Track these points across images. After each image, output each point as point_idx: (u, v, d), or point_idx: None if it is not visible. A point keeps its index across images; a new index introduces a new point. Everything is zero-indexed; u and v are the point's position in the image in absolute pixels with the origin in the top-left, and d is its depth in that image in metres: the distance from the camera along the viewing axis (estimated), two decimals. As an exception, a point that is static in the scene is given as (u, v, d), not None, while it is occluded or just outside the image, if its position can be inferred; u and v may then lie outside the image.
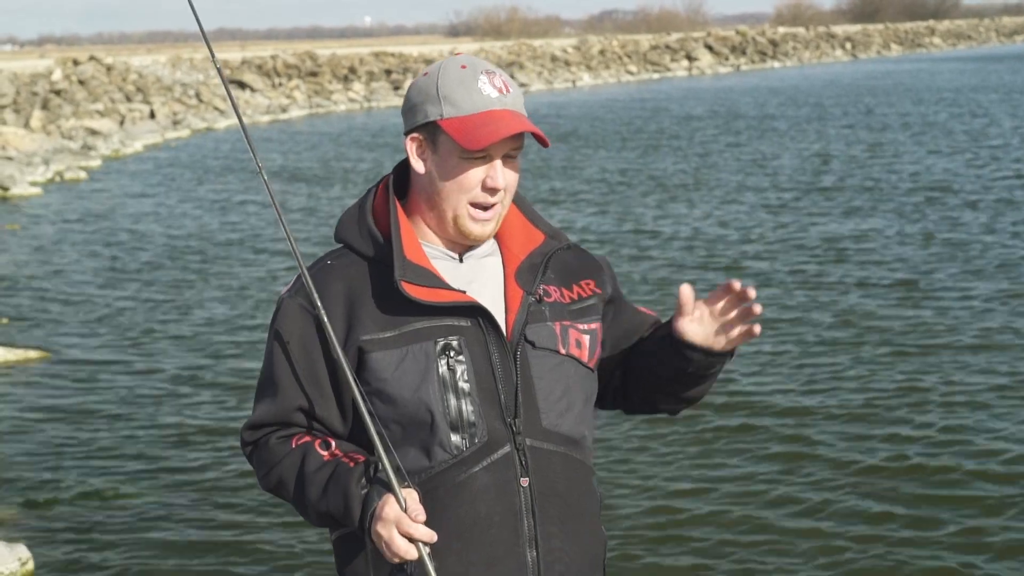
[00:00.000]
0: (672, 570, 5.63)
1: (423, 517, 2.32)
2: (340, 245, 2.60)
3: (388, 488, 2.34)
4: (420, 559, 2.32)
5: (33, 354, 9.75)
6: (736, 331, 2.50)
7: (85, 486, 6.88)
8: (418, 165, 2.53)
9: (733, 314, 2.50)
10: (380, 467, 2.36)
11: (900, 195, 16.74)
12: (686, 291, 2.51)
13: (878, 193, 17.07)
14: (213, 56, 2.74)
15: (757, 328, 2.48)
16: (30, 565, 5.74)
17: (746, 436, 7.31)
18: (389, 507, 2.32)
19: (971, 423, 7.39)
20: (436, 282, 2.48)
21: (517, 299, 2.54)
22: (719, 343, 2.52)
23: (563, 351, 2.55)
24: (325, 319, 2.42)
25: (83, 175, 23.57)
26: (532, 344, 2.52)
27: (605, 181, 20.04)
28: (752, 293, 2.45)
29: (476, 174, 2.48)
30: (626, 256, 13.13)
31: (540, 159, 22.72)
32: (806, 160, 21.66)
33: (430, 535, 2.32)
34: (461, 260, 2.57)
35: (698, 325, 2.53)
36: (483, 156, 2.47)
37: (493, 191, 2.48)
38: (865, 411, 7.66)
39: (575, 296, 2.62)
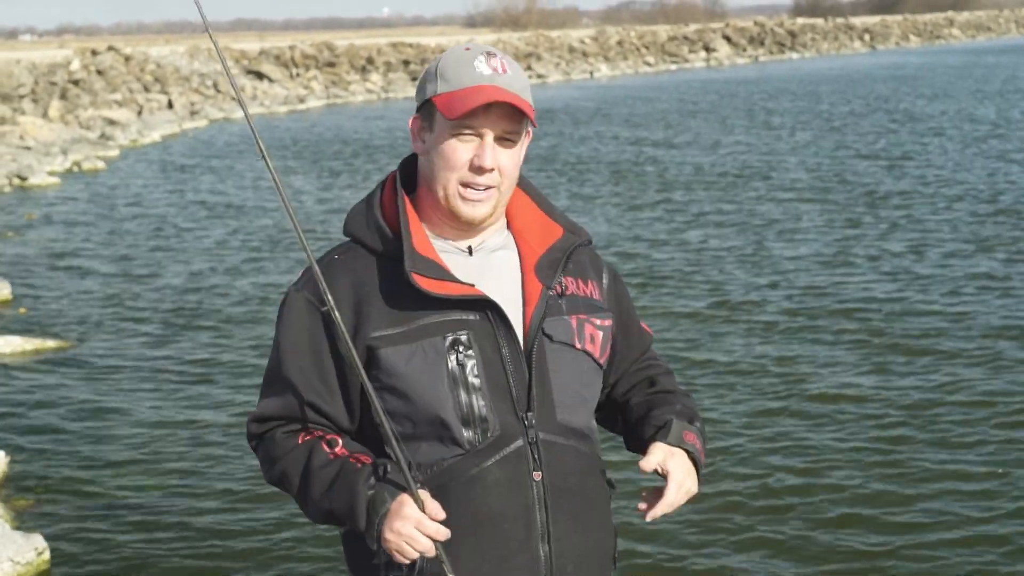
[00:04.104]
0: (680, 569, 5.60)
1: (442, 516, 2.34)
2: (348, 240, 2.59)
3: (405, 488, 2.35)
4: (438, 557, 2.34)
5: (50, 343, 9.76)
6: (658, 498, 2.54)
7: (102, 476, 6.88)
8: (416, 145, 2.56)
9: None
10: (390, 468, 2.38)
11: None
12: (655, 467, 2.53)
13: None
14: (216, 45, 2.67)
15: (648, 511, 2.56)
16: (46, 555, 5.74)
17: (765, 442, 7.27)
18: (408, 507, 2.33)
19: None
20: (445, 275, 2.46)
21: (536, 293, 2.53)
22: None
23: (579, 346, 2.55)
24: (336, 315, 2.39)
25: (101, 165, 23.62)
26: (550, 338, 2.52)
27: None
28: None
29: (464, 151, 2.46)
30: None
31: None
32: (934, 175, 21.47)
33: (446, 533, 2.35)
34: (470, 253, 2.55)
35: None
36: (473, 133, 2.45)
37: (480, 170, 2.46)
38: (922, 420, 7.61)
39: (590, 292, 2.63)
